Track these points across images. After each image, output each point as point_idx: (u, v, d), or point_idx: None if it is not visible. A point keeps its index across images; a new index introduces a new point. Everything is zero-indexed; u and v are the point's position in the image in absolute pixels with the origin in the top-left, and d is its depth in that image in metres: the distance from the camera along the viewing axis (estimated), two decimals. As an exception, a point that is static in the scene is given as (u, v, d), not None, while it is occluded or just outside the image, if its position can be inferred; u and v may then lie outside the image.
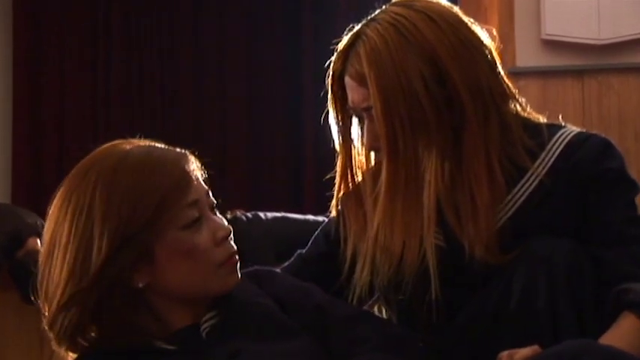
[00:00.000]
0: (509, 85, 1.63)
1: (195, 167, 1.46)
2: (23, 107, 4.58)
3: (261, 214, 3.54)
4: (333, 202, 1.72)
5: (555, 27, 3.69)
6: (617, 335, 1.45)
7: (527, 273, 1.52)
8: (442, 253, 1.59)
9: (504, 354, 1.41)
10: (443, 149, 1.57)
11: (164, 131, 4.49)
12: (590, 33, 3.68)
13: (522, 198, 1.60)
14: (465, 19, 1.61)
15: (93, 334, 1.42)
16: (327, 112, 1.68)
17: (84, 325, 1.40)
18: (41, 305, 1.44)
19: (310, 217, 3.54)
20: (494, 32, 1.65)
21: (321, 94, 1.69)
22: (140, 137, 1.50)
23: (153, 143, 1.48)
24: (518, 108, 1.64)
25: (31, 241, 3.37)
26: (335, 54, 1.63)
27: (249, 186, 4.59)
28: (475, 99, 1.56)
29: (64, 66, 4.62)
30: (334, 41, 1.64)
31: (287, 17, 4.65)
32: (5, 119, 4.56)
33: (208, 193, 1.47)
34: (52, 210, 1.44)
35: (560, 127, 1.65)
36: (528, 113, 1.66)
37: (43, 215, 1.48)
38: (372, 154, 1.66)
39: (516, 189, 1.60)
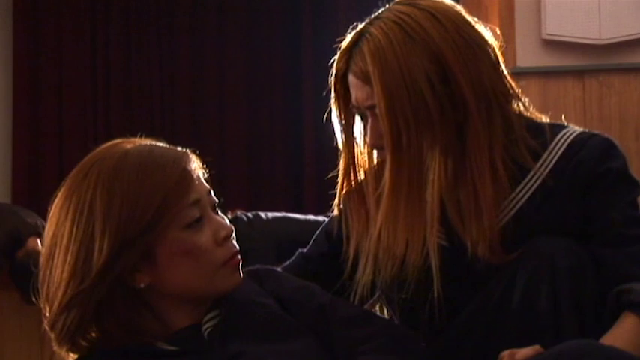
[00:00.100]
0: (513, 84, 1.63)
1: (196, 166, 1.45)
2: (23, 107, 4.58)
3: (262, 214, 3.54)
4: (336, 200, 1.72)
5: (556, 27, 3.69)
6: (617, 335, 1.45)
7: (530, 272, 1.52)
8: (444, 251, 1.59)
9: (505, 353, 1.41)
10: (446, 148, 1.57)
11: (163, 131, 4.48)
12: (590, 33, 3.68)
13: (524, 198, 1.60)
14: (469, 18, 1.61)
15: (93, 335, 1.42)
16: (329, 111, 1.68)
17: (85, 325, 1.40)
18: (42, 306, 1.43)
19: (311, 217, 3.54)
20: (498, 32, 1.65)
21: (323, 94, 1.69)
22: (141, 136, 1.50)
23: (153, 142, 1.48)
24: (521, 108, 1.64)
25: (31, 241, 3.37)
26: (338, 52, 1.63)
27: (249, 186, 4.58)
28: (479, 98, 1.56)
29: (64, 66, 4.62)
30: (337, 39, 1.64)
31: (287, 14, 4.65)
32: (5, 119, 4.56)
33: (210, 192, 1.46)
34: (53, 211, 1.43)
35: (562, 127, 1.65)
36: (531, 113, 1.66)
37: (43, 215, 1.48)
38: (375, 152, 1.66)
39: (519, 189, 1.60)
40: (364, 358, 1.43)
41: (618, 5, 3.67)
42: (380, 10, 1.62)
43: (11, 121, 4.57)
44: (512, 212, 1.59)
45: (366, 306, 1.72)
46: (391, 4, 1.63)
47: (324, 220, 1.85)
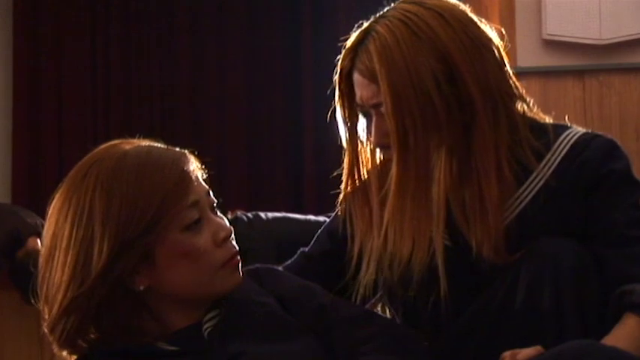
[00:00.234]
0: (517, 84, 1.63)
1: (194, 167, 1.45)
2: (23, 107, 4.57)
3: (262, 214, 3.53)
4: (341, 199, 1.71)
5: (556, 27, 3.69)
6: (619, 336, 1.45)
7: (533, 273, 1.52)
8: (448, 252, 1.59)
9: (507, 354, 1.41)
10: (452, 147, 1.56)
11: (163, 131, 4.48)
12: (591, 33, 3.67)
13: (528, 198, 1.59)
14: (475, 17, 1.60)
15: (93, 336, 1.41)
16: (333, 109, 1.67)
17: (85, 328, 1.39)
18: (41, 309, 1.43)
19: (311, 217, 3.53)
20: (503, 31, 1.65)
21: (323, 94, 1.69)
22: (140, 137, 1.49)
23: (152, 143, 1.47)
24: (525, 108, 1.64)
25: (31, 241, 3.36)
26: (343, 51, 1.62)
27: (249, 186, 4.58)
28: (485, 98, 1.56)
29: (63, 67, 4.61)
30: (338, 39, 1.64)
31: (287, 14, 4.64)
32: (5, 119, 4.56)
33: (209, 193, 1.46)
34: (52, 212, 1.43)
35: (566, 127, 1.65)
36: (534, 113, 1.66)
37: (43, 215, 1.47)
38: (378, 151, 1.66)
39: (522, 189, 1.60)
40: (366, 359, 1.43)
41: (618, 5, 3.67)
42: (385, 9, 1.61)
43: (11, 121, 4.57)
44: (515, 213, 1.59)
45: (367, 306, 1.71)
46: (397, 2, 1.62)
47: (325, 220, 1.85)
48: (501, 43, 1.62)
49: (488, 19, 1.66)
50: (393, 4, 1.63)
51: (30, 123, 4.56)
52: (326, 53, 1.65)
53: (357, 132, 1.66)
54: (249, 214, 3.51)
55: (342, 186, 1.69)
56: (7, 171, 4.54)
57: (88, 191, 1.38)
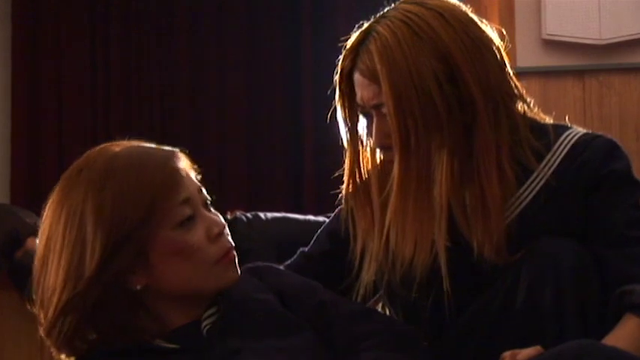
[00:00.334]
0: (518, 84, 1.63)
1: (185, 164, 1.46)
2: (22, 107, 4.57)
3: (262, 215, 3.52)
4: (342, 199, 1.71)
5: (556, 27, 3.69)
6: (619, 337, 1.45)
7: (534, 273, 1.52)
8: (449, 252, 1.59)
9: (507, 354, 1.41)
10: (454, 147, 1.56)
11: (163, 130, 4.48)
12: (591, 33, 3.67)
13: (528, 198, 1.59)
14: (475, 17, 1.60)
15: (91, 337, 1.41)
16: (333, 109, 1.67)
17: (82, 329, 1.39)
18: (37, 313, 1.43)
19: (311, 217, 3.53)
20: (504, 32, 1.64)
21: (322, 94, 1.69)
22: (140, 137, 1.50)
23: (141, 143, 1.48)
24: (526, 108, 1.64)
25: (30, 241, 3.36)
26: (343, 51, 1.62)
27: (249, 186, 4.58)
28: (486, 98, 1.56)
29: (63, 67, 4.61)
30: (338, 39, 1.63)
31: (287, 15, 4.64)
32: (4, 119, 4.55)
33: (201, 190, 1.46)
34: (45, 217, 1.44)
35: (566, 127, 1.65)
36: (535, 114, 1.66)
37: (42, 215, 1.47)
38: (378, 152, 1.66)
39: (522, 189, 1.60)
40: (366, 355, 1.44)
41: (618, 5, 3.67)
42: (386, 9, 1.61)
43: (10, 121, 4.56)
44: (516, 213, 1.59)
45: (367, 305, 1.71)
46: (397, 3, 1.62)
47: (324, 221, 1.85)
48: (502, 43, 1.62)
49: (488, 19, 1.66)
50: (393, 5, 1.62)
51: (29, 123, 4.56)
52: (326, 53, 1.65)
53: (357, 132, 1.66)
54: (249, 215, 3.51)
55: (344, 186, 1.69)
56: (6, 171, 4.54)
57: (79, 194, 1.39)
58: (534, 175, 1.60)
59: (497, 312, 1.55)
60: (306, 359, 1.42)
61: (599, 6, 3.67)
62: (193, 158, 1.48)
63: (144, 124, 4.52)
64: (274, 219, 3.53)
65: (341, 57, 1.62)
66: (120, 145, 1.46)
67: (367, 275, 1.66)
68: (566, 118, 1.74)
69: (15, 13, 4.61)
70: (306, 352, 1.44)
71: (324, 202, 1.71)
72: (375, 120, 1.59)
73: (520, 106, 1.63)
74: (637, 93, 3.70)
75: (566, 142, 1.62)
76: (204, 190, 1.47)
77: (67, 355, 1.43)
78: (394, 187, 1.57)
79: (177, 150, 1.47)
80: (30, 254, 3.22)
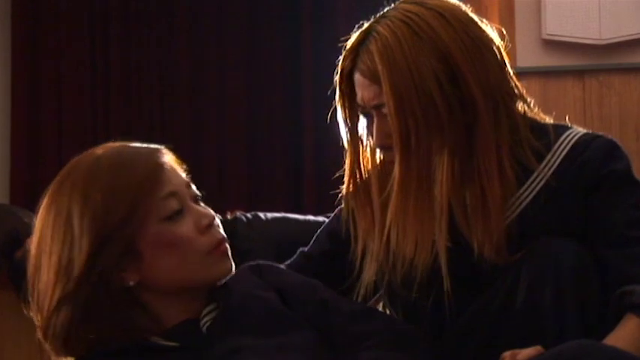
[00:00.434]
0: (518, 84, 1.63)
1: (170, 160, 1.48)
2: (22, 107, 4.57)
3: (261, 215, 3.52)
4: (343, 197, 1.71)
5: (556, 27, 3.69)
6: (620, 337, 1.45)
7: (534, 273, 1.52)
8: (449, 252, 1.59)
9: (507, 354, 1.41)
10: (454, 147, 1.56)
11: (163, 130, 4.47)
12: (591, 33, 3.67)
13: (528, 198, 1.59)
14: (475, 17, 1.60)
15: (90, 337, 1.41)
16: (333, 110, 1.67)
17: (75, 328, 1.40)
18: (34, 317, 1.44)
19: (310, 217, 3.52)
20: (504, 31, 1.64)
21: (322, 94, 1.69)
22: (140, 137, 1.51)
23: (126, 143, 1.51)
24: (526, 108, 1.64)
25: (29, 241, 3.35)
26: (343, 51, 1.62)
27: (249, 186, 4.57)
28: (487, 98, 1.56)
29: (63, 67, 4.61)
30: (338, 40, 1.63)
31: (287, 15, 4.63)
32: (4, 119, 4.55)
33: (189, 185, 1.48)
34: (37, 223, 1.46)
35: (566, 127, 1.65)
36: (535, 114, 1.66)
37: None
38: (378, 152, 1.65)
39: (522, 189, 1.60)
40: (366, 354, 1.44)
41: (618, 5, 3.67)
42: (386, 9, 1.61)
43: (10, 121, 4.56)
44: (516, 213, 1.59)
45: (368, 304, 1.71)
46: (397, 3, 1.62)
47: (324, 221, 1.85)
48: (502, 43, 1.62)
49: (488, 19, 1.66)
50: (393, 5, 1.62)
51: (29, 123, 4.56)
52: (326, 53, 1.65)
53: (358, 132, 1.66)
54: (249, 215, 3.51)
55: (344, 186, 1.69)
56: (6, 171, 4.54)
57: (65, 197, 1.42)
58: (534, 175, 1.60)
59: (498, 312, 1.55)
60: (306, 358, 1.42)
61: (599, 6, 3.67)
62: (193, 158, 1.49)
63: (144, 124, 4.51)
64: (274, 219, 3.53)
65: (341, 57, 1.62)
66: (103, 148, 1.49)
67: (368, 275, 1.66)
68: (566, 118, 1.74)
69: (15, 13, 4.60)
70: (306, 350, 1.44)
71: (324, 202, 1.70)
72: (375, 120, 1.59)
73: (520, 106, 1.63)
74: (637, 93, 3.70)
75: (566, 142, 1.62)
76: (193, 186, 1.49)
77: (66, 356, 1.43)
78: (395, 187, 1.57)
79: (161, 147, 1.49)
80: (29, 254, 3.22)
